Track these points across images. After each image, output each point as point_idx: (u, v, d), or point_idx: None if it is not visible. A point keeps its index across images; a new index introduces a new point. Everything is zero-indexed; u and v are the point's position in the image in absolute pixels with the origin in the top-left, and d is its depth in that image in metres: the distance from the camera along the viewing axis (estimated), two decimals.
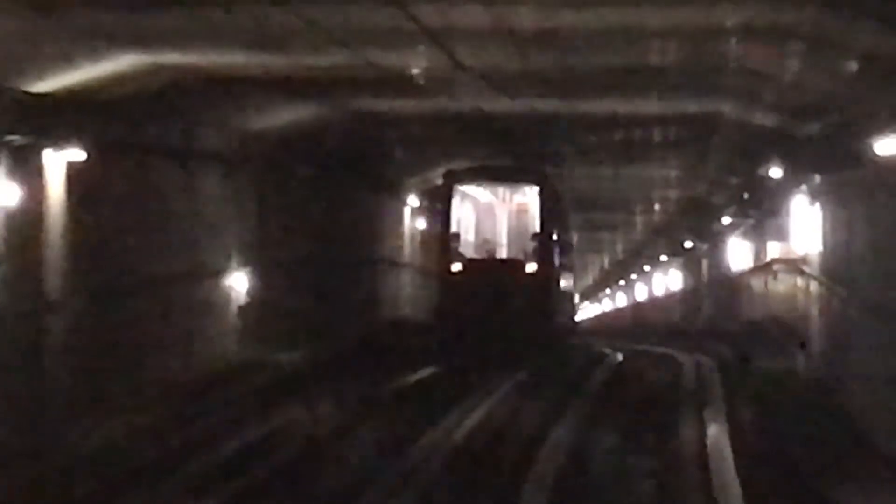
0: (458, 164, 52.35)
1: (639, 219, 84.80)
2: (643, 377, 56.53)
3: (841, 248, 44.23)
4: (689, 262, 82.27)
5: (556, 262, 50.31)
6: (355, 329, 57.32)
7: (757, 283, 71.35)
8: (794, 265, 58.59)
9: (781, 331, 61.42)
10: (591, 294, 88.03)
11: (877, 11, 22.73)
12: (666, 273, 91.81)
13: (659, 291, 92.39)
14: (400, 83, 36.17)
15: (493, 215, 51.30)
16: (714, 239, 73.04)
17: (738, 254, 74.73)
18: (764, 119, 40.19)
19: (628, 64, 32.98)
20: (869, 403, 37.01)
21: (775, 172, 47.24)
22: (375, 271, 61.32)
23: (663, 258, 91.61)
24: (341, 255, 59.42)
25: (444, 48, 30.37)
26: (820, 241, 48.30)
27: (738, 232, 68.71)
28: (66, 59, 30.57)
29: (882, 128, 26.85)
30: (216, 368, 46.55)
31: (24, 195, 31.09)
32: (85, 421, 36.12)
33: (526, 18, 27.21)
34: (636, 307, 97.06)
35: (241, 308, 48.78)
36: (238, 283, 48.14)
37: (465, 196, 50.82)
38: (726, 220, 66.84)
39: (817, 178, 44.12)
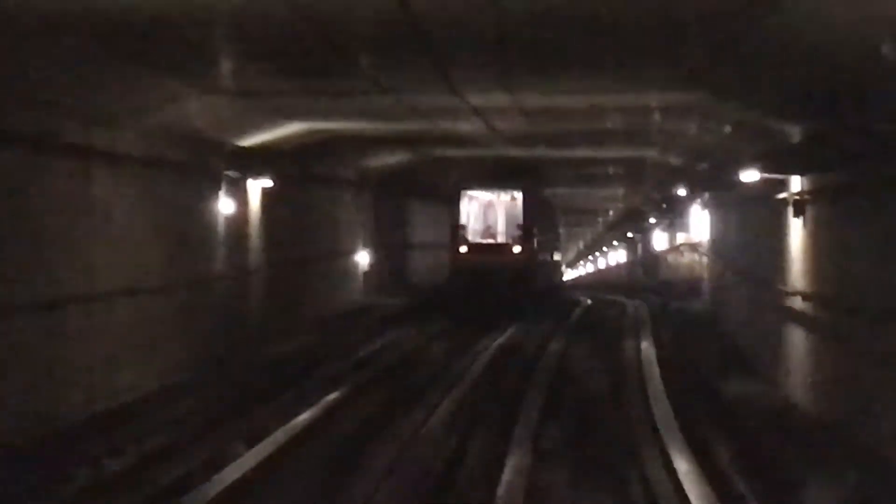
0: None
1: (600, 219, 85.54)
2: (602, 311, 58.21)
3: (720, 236, 47.13)
4: (631, 246, 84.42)
5: (535, 244, 49.29)
6: (423, 285, 57.60)
7: (671, 257, 78.08)
8: (693, 247, 65.01)
9: (685, 286, 64.95)
10: (573, 264, 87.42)
11: (740, 97, 23.59)
12: (617, 252, 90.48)
13: (613, 263, 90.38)
14: (456, 139, 35.99)
15: (493, 210, 49.70)
16: (645, 231, 75.59)
17: (659, 240, 78.45)
18: (675, 160, 40.58)
19: (593, 128, 33.28)
20: (736, 327, 39.80)
21: (681, 192, 48.17)
22: (438, 251, 59.90)
23: (615, 243, 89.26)
24: (421, 241, 60.09)
25: (483, 119, 30.63)
26: (708, 232, 50.94)
27: (659, 227, 70.83)
28: (259, 126, 30.63)
29: (743, 165, 27.56)
30: (350, 309, 47.29)
31: (236, 207, 31.93)
32: (272, 341, 36.69)
33: (533, 101, 27.64)
34: (599, 272, 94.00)
35: (364, 273, 49.75)
36: (362, 258, 49.30)
37: (472, 198, 50.06)
38: (652, 220, 68.42)
39: (706, 195, 45.70)
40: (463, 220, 49.36)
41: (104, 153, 23.76)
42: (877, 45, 12.80)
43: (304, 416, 25.04)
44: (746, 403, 27.28)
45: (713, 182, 36.81)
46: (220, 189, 31.01)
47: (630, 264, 75.60)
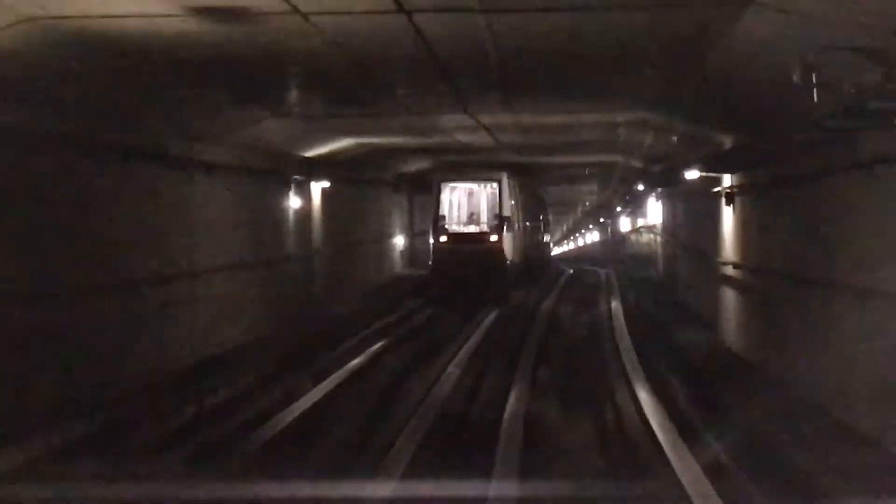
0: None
1: (580, 208, 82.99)
2: (582, 279, 56.89)
3: (670, 220, 45.80)
4: (603, 228, 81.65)
5: (514, 231, 42.44)
6: None
7: (633, 237, 74.73)
8: (650, 229, 61.77)
9: (644, 259, 63.34)
10: (559, 243, 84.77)
11: (685, 115, 23.50)
12: (593, 233, 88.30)
13: (590, 241, 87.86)
14: (469, 149, 35.15)
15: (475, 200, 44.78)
16: (613, 217, 74.35)
17: (624, 224, 75.79)
18: (635, 163, 39.79)
19: (574, 139, 32.84)
20: (683, 289, 39.38)
21: (640, 187, 47.81)
22: None
23: (591, 226, 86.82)
24: None
25: (491, 133, 30.12)
26: (661, 218, 49.98)
27: (624, 214, 69.91)
28: (319, 141, 30.03)
29: (688, 167, 27.58)
30: (390, 278, 46.82)
31: (302, 203, 31.70)
32: (330, 306, 35.68)
33: (528, 120, 27.45)
34: (580, 248, 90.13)
35: (400, 252, 49.12)
36: (398, 241, 48.71)
37: (453, 189, 44.54)
38: (619, 209, 67.91)
39: (659, 190, 45.12)
40: (444, 210, 42.99)
41: (202, 162, 23.93)
42: (789, 75, 12.85)
43: (356, 361, 25.37)
44: (687, 342, 27.84)
45: (665, 179, 36.71)
46: (290, 189, 31.06)
47: (602, 243, 74.45)
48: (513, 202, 42.34)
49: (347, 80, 18.14)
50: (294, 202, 31.89)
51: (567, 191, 68.20)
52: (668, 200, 45.10)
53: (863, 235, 15.35)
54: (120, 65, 15.12)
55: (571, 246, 78.72)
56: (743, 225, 25.41)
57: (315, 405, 20.06)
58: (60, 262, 17.91)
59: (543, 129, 30.52)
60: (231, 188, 26.67)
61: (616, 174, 50.36)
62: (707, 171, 26.91)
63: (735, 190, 25.75)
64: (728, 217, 26.84)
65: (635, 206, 61.24)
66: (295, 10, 12.79)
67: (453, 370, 24.36)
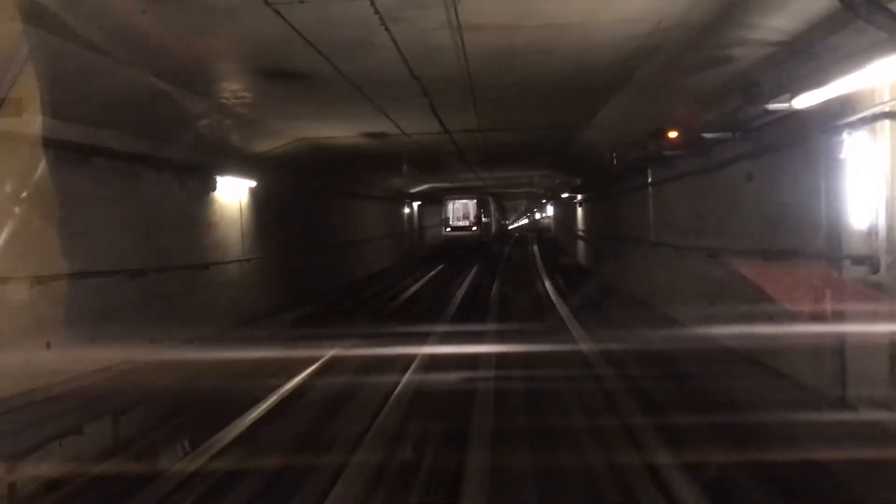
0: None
1: (520, 209, 71.37)
2: (522, 237, 51.11)
3: (557, 214, 43.14)
4: (531, 217, 69.67)
5: (484, 223, 35.63)
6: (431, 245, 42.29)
7: (542, 221, 65.43)
8: (548, 217, 55.64)
9: (546, 229, 54.17)
10: (514, 222, 71.34)
11: (565, 170, 23.14)
12: (524, 219, 75.01)
13: (524, 223, 73.45)
14: (468, 186, 31.82)
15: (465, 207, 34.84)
16: (533, 212, 67.03)
17: (537, 215, 63.52)
18: (540, 191, 36.94)
19: (516, 180, 30.81)
20: (563, 241, 36.83)
21: (543, 200, 45.70)
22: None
23: (525, 217, 70.83)
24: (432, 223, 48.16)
25: (481, 179, 27.97)
26: (552, 212, 47.37)
27: (538, 211, 62.66)
28: (416, 186, 27.88)
29: (562, 192, 27.25)
30: (412, 253, 35.30)
31: (408, 211, 30.09)
32: (414, 253, 31.86)
33: (498, 173, 25.92)
34: (520, 226, 74.40)
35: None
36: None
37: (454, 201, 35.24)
38: (535, 209, 63.42)
39: (552, 201, 43.07)
40: (448, 214, 35.36)
41: (369, 196, 23.66)
42: (608, 150, 12.84)
43: (431, 273, 24.73)
44: (565, 264, 26.74)
45: (553, 197, 36.45)
46: (404, 205, 30.90)
47: (530, 223, 69.70)
48: (482, 209, 36.72)
49: (424, 160, 17.90)
50: (406, 210, 31.52)
51: (514, 203, 65.20)
52: (556, 205, 44.17)
53: (636, 216, 15.28)
54: (334, 156, 15.10)
55: (517, 224, 74.73)
56: (585, 215, 25.23)
57: (416, 291, 19.76)
58: (315, 236, 17.69)
59: (503, 176, 29.23)
60: (380, 205, 26.18)
61: (533, 194, 49.37)
62: (570, 192, 26.72)
63: (582, 200, 25.66)
64: (580, 212, 26.70)
65: (542, 207, 59.41)
66: (404, 133, 12.81)
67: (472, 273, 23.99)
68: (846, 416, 5.86)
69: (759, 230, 7.91)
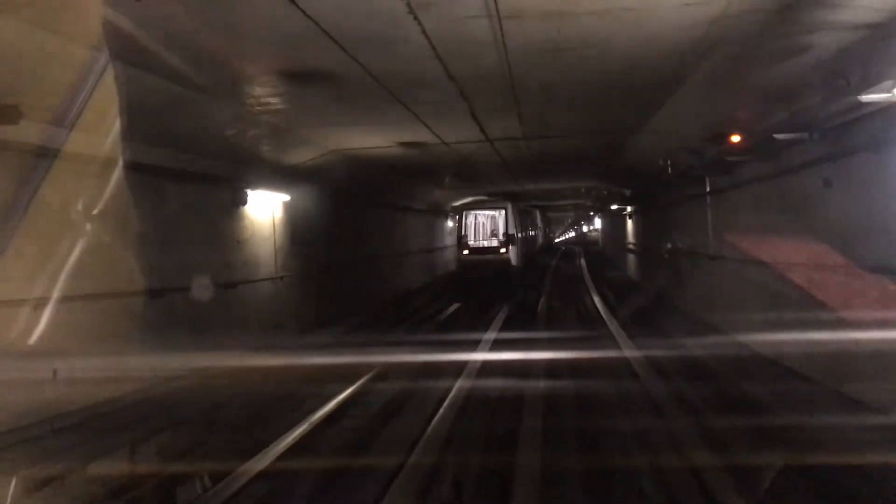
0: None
1: (566, 222, 72.81)
2: (568, 250, 51.48)
3: (605, 227, 42.61)
4: (578, 230, 71.49)
5: (514, 240, 24.60)
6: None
7: (589, 234, 66.24)
8: (596, 230, 55.53)
9: (594, 242, 54.58)
10: (560, 235, 71.64)
11: (611, 181, 22.55)
12: (571, 232, 77.28)
13: (571, 236, 75.28)
14: (514, 195, 33.26)
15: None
16: (580, 225, 68.33)
17: (585, 228, 65.06)
18: (588, 203, 37.52)
19: (562, 192, 30.95)
20: (611, 254, 36.29)
21: (591, 213, 45.24)
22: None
23: (571, 230, 73.49)
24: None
25: (525, 189, 28.49)
26: (600, 226, 46.93)
27: (585, 224, 64.84)
28: (456, 198, 27.38)
29: (611, 203, 26.54)
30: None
31: (451, 223, 30.19)
32: (439, 273, 28.75)
33: (545, 185, 25.73)
34: (568, 239, 74.84)
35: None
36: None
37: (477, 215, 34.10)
38: (582, 222, 63.84)
39: (600, 214, 42.45)
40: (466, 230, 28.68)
41: (410, 209, 23.08)
42: (661, 157, 12.05)
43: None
44: (615, 278, 25.81)
45: (601, 209, 35.55)
46: (446, 218, 30.12)
47: (577, 236, 70.31)
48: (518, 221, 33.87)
49: (465, 170, 17.32)
50: (449, 224, 30.68)
51: (560, 216, 64.89)
52: (604, 218, 43.39)
53: (692, 227, 14.34)
54: (371, 168, 14.55)
55: (564, 237, 74.23)
56: (635, 227, 24.30)
57: (455, 310, 18.82)
58: (357, 248, 17.15)
59: (549, 189, 28.64)
60: (422, 218, 25.58)
61: (580, 208, 48.58)
62: (620, 205, 25.84)
63: (632, 212, 24.75)
64: (629, 224, 25.80)
65: (589, 220, 58.89)
66: (443, 142, 12.20)
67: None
68: None
69: (842, 242, 6.97)
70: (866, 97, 4.90)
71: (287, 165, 11.65)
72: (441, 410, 7.95)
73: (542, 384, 9.04)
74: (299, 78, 7.02)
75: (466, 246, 23.32)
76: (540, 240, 41.32)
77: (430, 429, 7.26)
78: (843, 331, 6.48)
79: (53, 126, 5.52)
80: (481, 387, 8.94)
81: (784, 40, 5.98)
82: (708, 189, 12.02)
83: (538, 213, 39.48)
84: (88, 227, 6.28)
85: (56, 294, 6.04)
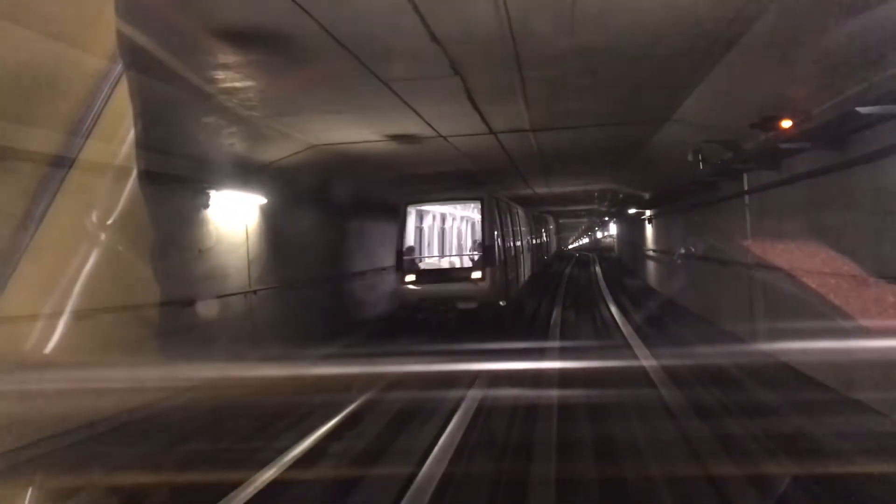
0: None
1: (580, 228, 71.91)
2: (582, 257, 50.75)
3: (620, 232, 41.87)
4: (592, 236, 69.89)
5: (496, 254, 14.12)
6: None
7: (603, 240, 64.92)
8: (611, 236, 55.59)
9: (608, 249, 54.35)
10: (574, 241, 71.48)
11: (628, 183, 21.25)
12: (584, 238, 77.29)
13: (585, 242, 76.22)
14: (523, 197, 32.12)
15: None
16: (594, 231, 67.10)
17: (599, 234, 64.02)
18: (603, 208, 36.18)
19: (574, 196, 29.63)
20: (628, 261, 34.86)
21: (605, 218, 43.98)
22: None
23: (585, 236, 74.01)
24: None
25: (535, 192, 26.99)
26: (616, 231, 46.14)
27: (599, 230, 63.97)
28: None
29: (629, 207, 25.16)
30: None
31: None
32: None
33: (556, 189, 24.47)
34: (580, 245, 75.43)
35: None
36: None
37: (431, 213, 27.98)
38: (596, 228, 62.81)
39: (615, 219, 41.28)
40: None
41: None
42: (692, 151, 10.54)
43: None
44: (632, 285, 24.44)
45: (617, 215, 34.05)
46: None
47: (591, 242, 69.11)
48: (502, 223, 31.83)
49: (468, 171, 15.80)
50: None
51: (574, 222, 63.45)
52: (620, 223, 41.89)
53: (726, 232, 12.81)
54: (358, 166, 13.05)
55: (577, 244, 72.98)
56: (657, 233, 22.82)
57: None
58: (336, 262, 15.65)
59: (562, 193, 27.08)
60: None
61: (594, 214, 47.03)
62: (638, 209, 24.34)
63: (651, 216, 23.27)
64: (649, 228, 24.29)
65: (603, 226, 57.35)
66: (440, 135, 10.72)
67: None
68: None
69: None
70: None
71: (260, 163, 10.23)
72: None
73: None
74: (239, 39, 5.50)
75: (412, 268, 13.50)
76: (552, 248, 40.17)
77: None
78: None
79: None
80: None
81: None
82: (746, 187, 10.43)
83: (551, 219, 38.47)
84: None
85: None
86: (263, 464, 6.18)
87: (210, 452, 6.63)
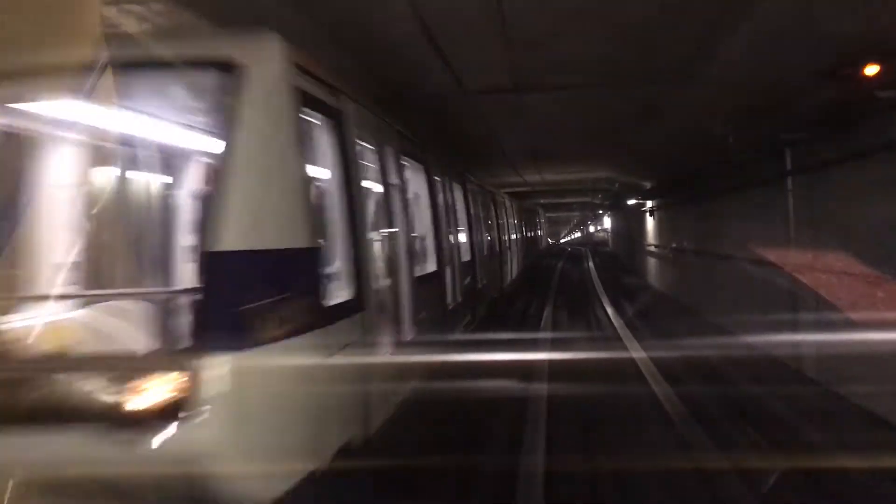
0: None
1: (572, 222, 69.26)
2: (575, 251, 48.57)
3: (615, 225, 40.35)
4: (584, 230, 68.94)
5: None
6: None
7: (596, 233, 62.32)
8: (604, 230, 54.67)
9: (602, 243, 52.78)
10: (566, 235, 70.66)
11: (627, 171, 19.20)
12: (576, 232, 74.65)
13: (576, 236, 74.16)
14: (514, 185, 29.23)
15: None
16: (587, 225, 65.00)
17: (592, 228, 62.53)
18: (597, 200, 34.43)
19: (572, 185, 27.46)
20: (625, 257, 33.01)
21: (599, 211, 42.27)
22: None
23: (577, 230, 72.39)
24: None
25: (525, 181, 23.75)
26: (610, 224, 44.35)
27: (592, 223, 61.99)
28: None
29: (628, 198, 23.24)
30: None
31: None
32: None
33: (550, 177, 22.29)
34: (572, 239, 73.93)
35: None
36: None
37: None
38: (588, 222, 60.89)
39: (609, 212, 39.61)
40: None
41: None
42: (720, 123, 8.44)
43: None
44: (629, 283, 22.88)
45: (612, 207, 32.06)
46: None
47: (583, 236, 67.35)
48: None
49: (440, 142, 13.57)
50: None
51: (566, 215, 60.79)
52: (614, 216, 39.82)
53: (757, 223, 10.78)
54: None
55: (569, 238, 71.46)
56: (661, 226, 20.99)
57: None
58: None
59: (553, 181, 24.70)
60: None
61: (587, 206, 44.68)
62: (638, 199, 22.44)
63: (653, 207, 21.33)
64: (650, 221, 22.32)
65: (596, 219, 55.01)
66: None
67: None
68: None
69: None
70: None
71: None
72: None
73: None
74: None
75: None
76: (540, 244, 39.26)
77: None
78: None
79: None
80: None
81: None
82: (788, 167, 8.23)
83: (541, 211, 37.10)
84: None
85: None
86: None
87: None
